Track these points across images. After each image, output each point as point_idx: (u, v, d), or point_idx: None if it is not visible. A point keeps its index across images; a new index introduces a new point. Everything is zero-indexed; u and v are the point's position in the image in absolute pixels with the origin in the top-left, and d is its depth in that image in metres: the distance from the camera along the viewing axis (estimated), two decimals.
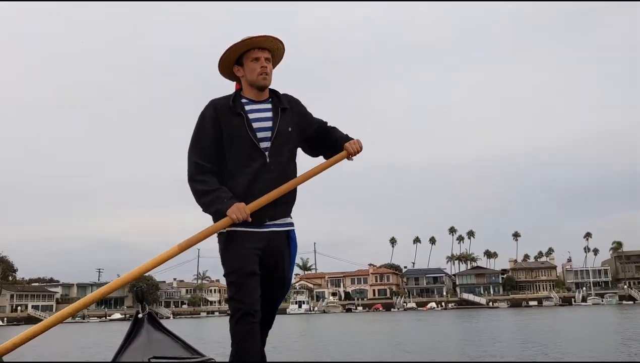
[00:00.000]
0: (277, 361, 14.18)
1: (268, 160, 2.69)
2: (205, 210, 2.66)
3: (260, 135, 2.71)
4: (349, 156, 2.84)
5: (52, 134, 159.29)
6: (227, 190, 2.64)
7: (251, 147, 2.69)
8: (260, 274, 2.63)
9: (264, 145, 2.70)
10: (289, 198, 2.78)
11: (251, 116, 2.74)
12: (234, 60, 2.81)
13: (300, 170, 2.85)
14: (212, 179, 2.67)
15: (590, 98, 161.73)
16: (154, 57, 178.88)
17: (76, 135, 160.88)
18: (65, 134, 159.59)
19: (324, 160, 2.91)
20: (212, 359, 3.25)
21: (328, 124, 3.00)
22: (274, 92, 2.87)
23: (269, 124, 2.74)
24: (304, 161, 2.94)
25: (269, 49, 2.80)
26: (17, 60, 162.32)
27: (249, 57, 2.76)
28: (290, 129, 2.80)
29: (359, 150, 2.84)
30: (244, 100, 2.78)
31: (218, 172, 2.70)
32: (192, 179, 2.67)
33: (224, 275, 2.64)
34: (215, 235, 2.67)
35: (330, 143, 2.92)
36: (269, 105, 2.81)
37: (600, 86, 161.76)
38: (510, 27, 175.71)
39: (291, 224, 2.82)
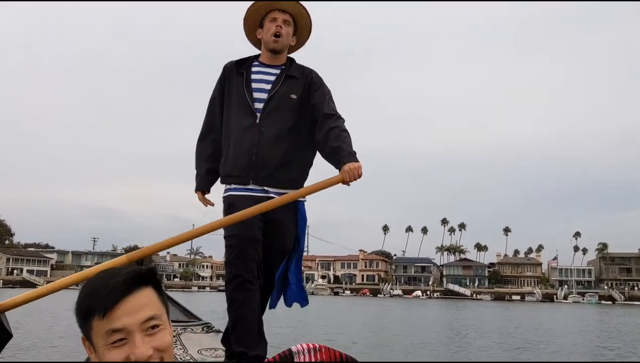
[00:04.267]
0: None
1: (258, 121, 2.65)
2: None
3: (256, 95, 2.70)
4: (345, 182, 2.40)
5: (59, 103, 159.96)
6: (207, 166, 2.81)
7: (244, 105, 2.69)
8: (263, 241, 2.60)
9: (258, 105, 2.68)
10: (293, 174, 2.67)
11: (253, 77, 2.74)
12: (257, 24, 2.83)
13: None
14: (208, 148, 2.82)
15: (591, 99, 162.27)
16: (150, 32, 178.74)
17: (82, 105, 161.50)
18: (72, 104, 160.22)
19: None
20: (210, 323, 3.30)
21: (331, 115, 2.61)
22: (290, 60, 2.85)
23: (269, 86, 2.72)
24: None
25: (291, 13, 2.79)
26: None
27: (268, 17, 2.78)
28: (293, 96, 2.71)
29: (356, 178, 2.40)
30: (255, 63, 2.81)
31: (218, 136, 2.80)
32: (197, 144, 2.88)
33: (224, 237, 2.58)
34: (222, 196, 2.72)
35: (324, 143, 2.57)
36: (277, 71, 2.77)
37: (605, 88, 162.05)
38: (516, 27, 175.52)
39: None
